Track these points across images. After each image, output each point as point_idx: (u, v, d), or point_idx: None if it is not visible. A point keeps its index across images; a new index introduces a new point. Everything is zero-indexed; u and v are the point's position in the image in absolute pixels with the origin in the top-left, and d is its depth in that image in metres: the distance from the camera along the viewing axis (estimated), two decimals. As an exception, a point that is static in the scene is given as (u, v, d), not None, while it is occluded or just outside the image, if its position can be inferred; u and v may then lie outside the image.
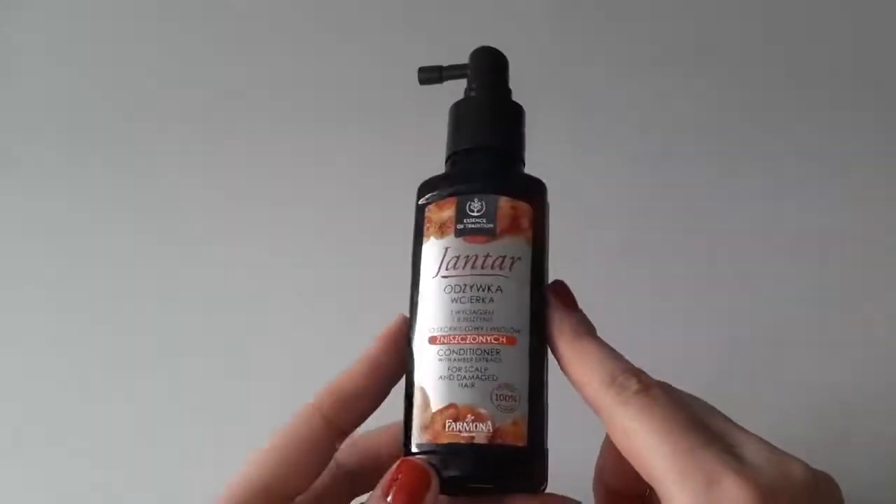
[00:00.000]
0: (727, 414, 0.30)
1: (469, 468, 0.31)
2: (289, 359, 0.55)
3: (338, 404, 0.32)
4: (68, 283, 0.59)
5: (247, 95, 0.63)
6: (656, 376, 0.30)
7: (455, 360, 0.32)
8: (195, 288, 0.58)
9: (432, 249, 0.33)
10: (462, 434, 0.31)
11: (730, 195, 0.57)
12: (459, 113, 0.36)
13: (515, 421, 0.31)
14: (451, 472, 0.31)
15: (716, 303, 0.55)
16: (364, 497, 0.35)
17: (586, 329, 0.32)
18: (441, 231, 0.33)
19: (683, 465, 0.26)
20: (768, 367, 0.53)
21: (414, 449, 0.31)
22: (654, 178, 0.58)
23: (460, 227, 0.33)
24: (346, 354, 0.34)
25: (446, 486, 0.31)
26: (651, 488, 0.33)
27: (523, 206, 0.33)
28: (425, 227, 0.34)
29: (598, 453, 0.35)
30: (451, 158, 0.36)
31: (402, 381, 0.33)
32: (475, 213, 0.33)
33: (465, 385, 0.31)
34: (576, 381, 0.31)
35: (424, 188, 0.35)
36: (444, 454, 0.31)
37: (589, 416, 0.31)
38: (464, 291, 0.32)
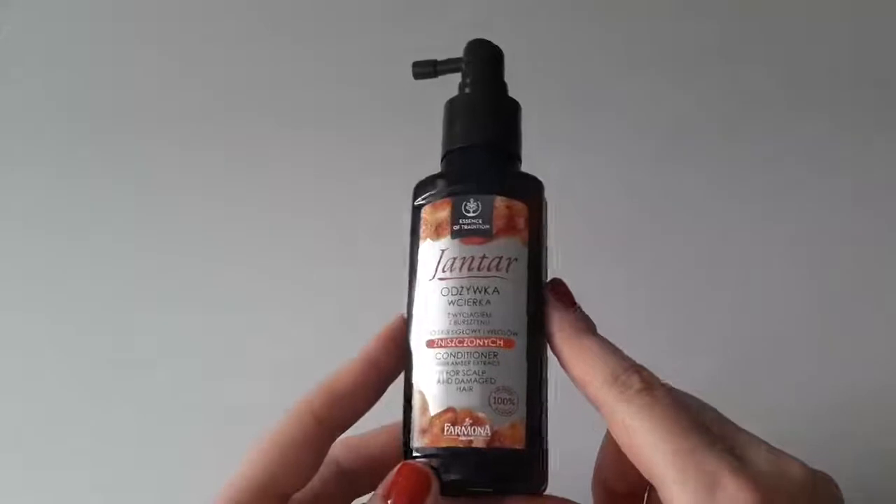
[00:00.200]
0: (726, 413, 0.30)
1: (468, 472, 0.31)
2: (288, 359, 0.55)
3: (329, 402, 0.32)
4: (67, 282, 0.59)
5: (246, 95, 0.62)
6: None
7: (453, 363, 0.31)
8: (195, 288, 0.58)
9: (429, 251, 0.33)
10: (460, 438, 0.31)
11: (730, 195, 0.57)
12: (454, 110, 0.36)
13: (513, 424, 0.31)
14: (451, 476, 0.31)
15: (716, 303, 0.55)
16: (364, 498, 0.35)
17: (587, 326, 0.32)
18: (437, 232, 0.33)
19: (685, 466, 0.26)
20: (769, 368, 0.53)
21: (413, 452, 0.31)
22: (653, 176, 0.58)
23: (456, 228, 0.33)
24: (345, 354, 0.34)
25: (445, 490, 0.30)
26: (650, 488, 0.34)
27: (519, 206, 0.33)
28: (421, 229, 0.33)
29: (596, 453, 0.35)
30: (447, 157, 0.36)
31: (398, 383, 0.33)
32: (471, 214, 0.33)
33: (463, 389, 0.31)
34: (577, 379, 0.31)
35: (420, 188, 0.34)
36: (443, 458, 0.31)
37: (587, 416, 0.31)
38: (461, 294, 0.32)
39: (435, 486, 0.30)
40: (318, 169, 0.60)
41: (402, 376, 0.33)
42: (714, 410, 0.30)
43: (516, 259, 0.32)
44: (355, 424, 0.33)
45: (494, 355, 0.31)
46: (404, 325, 0.33)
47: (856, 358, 0.53)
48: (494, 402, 0.31)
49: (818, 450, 0.30)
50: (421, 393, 0.32)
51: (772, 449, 0.28)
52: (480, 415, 0.31)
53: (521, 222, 0.33)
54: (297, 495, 0.33)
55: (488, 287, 0.32)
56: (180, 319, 0.57)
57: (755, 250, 0.55)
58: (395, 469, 0.30)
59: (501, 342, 0.32)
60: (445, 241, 0.33)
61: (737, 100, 0.59)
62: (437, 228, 0.33)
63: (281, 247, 0.59)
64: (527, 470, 0.31)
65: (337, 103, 0.62)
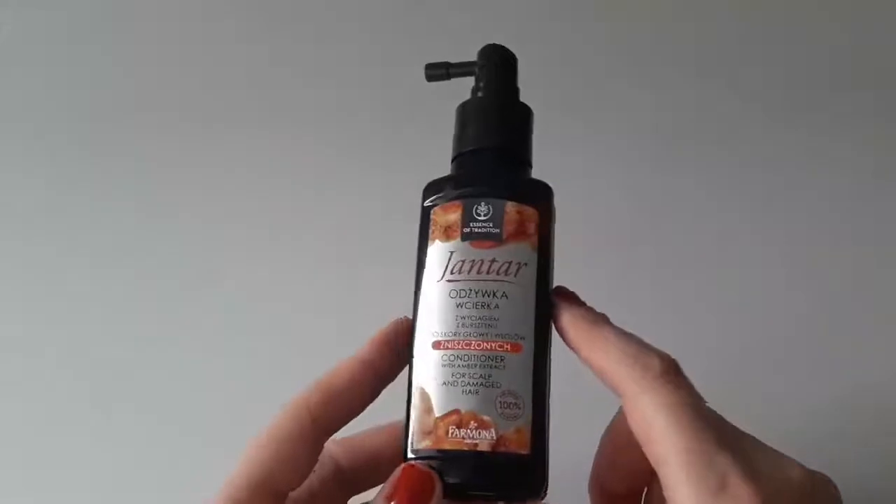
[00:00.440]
0: (725, 414, 0.30)
1: (472, 476, 0.31)
2: (288, 359, 0.55)
3: (325, 399, 0.32)
4: (67, 282, 0.59)
5: (247, 95, 0.62)
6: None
7: (459, 365, 0.31)
8: (194, 288, 0.58)
9: (437, 252, 0.33)
10: (465, 441, 0.30)
11: (729, 195, 0.57)
12: (466, 113, 0.36)
13: (519, 428, 0.31)
14: (454, 479, 0.30)
15: (715, 304, 0.55)
16: (362, 495, 0.36)
17: (601, 317, 0.32)
18: (446, 234, 0.33)
19: (695, 464, 0.27)
20: (769, 368, 0.53)
21: (416, 454, 0.31)
22: (651, 177, 0.58)
23: (466, 230, 0.33)
24: (347, 354, 0.34)
25: (448, 493, 0.30)
26: (648, 488, 0.34)
27: (530, 211, 0.33)
28: (430, 230, 0.33)
29: (592, 454, 0.35)
30: (458, 159, 0.36)
31: (397, 384, 0.33)
32: (482, 218, 0.33)
33: (469, 392, 0.31)
34: (597, 367, 0.31)
35: (430, 189, 0.34)
36: (446, 460, 0.31)
37: (585, 418, 0.32)
38: (469, 296, 0.32)
39: (438, 488, 0.30)
40: (320, 170, 0.60)
41: (402, 376, 0.33)
42: (716, 414, 0.30)
43: (526, 264, 0.32)
44: (352, 424, 0.33)
45: (501, 359, 0.31)
46: (399, 329, 0.33)
47: (855, 358, 0.53)
48: (500, 406, 0.31)
49: (817, 450, 0.31)
50: (425, 393, 0.31)
51: (772, 451, 0.29)
52: (486, 418, 0.31)
53: (531, 228, 0.33)
54: (295, 494, 0.33)
55: (497, 291, 0.32)
56: (180, 319, 0.57)
57: (754, 250, 0.56)
58: (398, 470, 0.30)
59: (508, 346, 0.31)
60: (455, 244, 0.33)
61: (737, 100, 0.59)
62: (446, 230, 0.33)
63: (282, 247, 0.59)
64: (530, 475, 0.31)
65: (339, 104, 0.61)
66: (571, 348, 0.32)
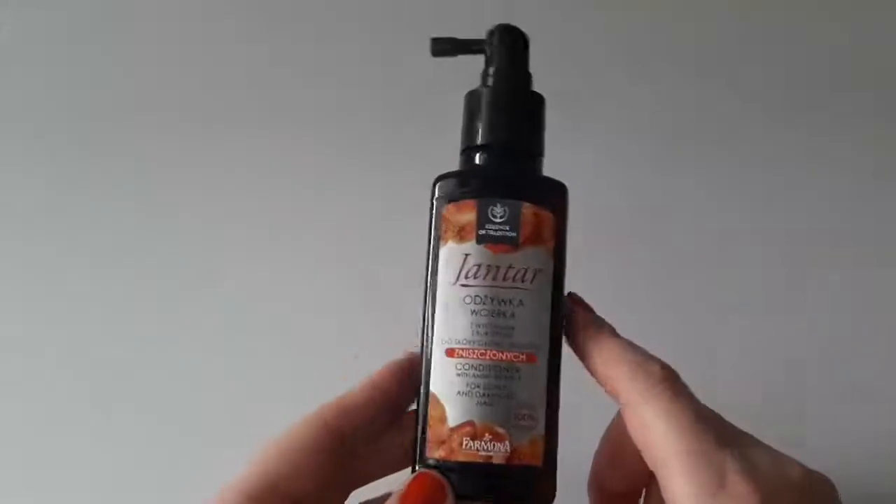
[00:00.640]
0: (725, 415, 0.31)
1: (485, 488, 0.30)
2: (288, 358, 0.53)
3: (342, 414, 0.32)
4: (67, 282, 0.58)
5: (247, 94, 0.60)
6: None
7: (474, 375, 0.31)
8: (194, 288, 0.57)
9: (451, 254, 0.32)
10: (479, 453, 0.30)
11: (729, 195, 0.57)
12: (478, 103, 0.34)
13: (533, 440, 0.31)
14: (467, 491, 0.30)
15: (718, 304, 0.55)
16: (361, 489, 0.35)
17: (608, 327, 0.33)
18: (460, 235, 0.32)
19: (694, 463, 0.27)
20: (769, 368, 0.53)
21: (429, 463, 0.31)
22: (654, 179, 0.57)
23: (482, 233, 0.32)
24: (347, 353, 0.33)
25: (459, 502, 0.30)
26: (647, 488, 0.34)
27: (546, 215, 0.32)
28: (443, 229, 0.32)
29: (591, 454, 0.36)
30: (469, 153, 0.34)
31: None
32: (497, 220, 0.32)
33: (484, 403, 0.30)
34: (600, 373, 0.31)
35: (442, 184, 0.33)
36: (460, 472, 0.30)
37: (583, 418, 0.32)
38: (484, 304, 0.31)
39: (451, 497, 0.30)
40: (320, 168, 0.58)
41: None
42: (717, 414, 0.31)
43: (541, 270, 0.32)
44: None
45: (517, 370, 0.31)
46: (414, 361, 0.33)
47: (855, 357, 0.53)
48: (515, 419, 0.30)
49: (817, 450, 0.32)
50: (439, 402, 0.31)
51: (772, 451, 0.29)
52: (501, 430, 0.30)
53: (547, 232, 0.32)
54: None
55: (513, 299, 0.31)
56: (180, 319, 0.56)
57: (753, 250, 0.55)
58: (411, 477, 0.30)
59: (524, 357, 0.31)
60: (469, 246, 0.32)
61: (737, 99, 0.58)
62: (460, 231, 0.32)
63: (282, 247, 0.57)
64: (542, 486, 0.31)
65: (339, 102, 0.59)
66: (576, 353, 0.32)
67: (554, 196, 0.33)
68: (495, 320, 0.31)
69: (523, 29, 0.36)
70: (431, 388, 0.31)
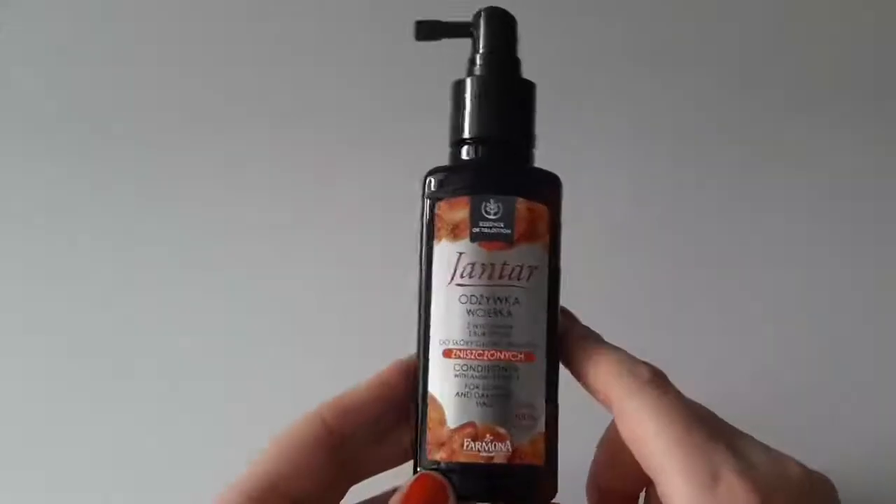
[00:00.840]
0: (727, 416, 0.31)
1: (487, 489, 0.30)
2: (288, 357, 0.54)
3: (341, 413, 0.32)
4: (69, 281, 0.57)
5: (247, 94, 0.59)
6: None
7: (472, 376, 0.30)
8: (194, 288, 0.57)
9: (445, 253, 0.31)
10: (481, 454, 0.30)
11: (732, 196, 0.56)
12: (467, 94, 0.33)
13: (534, 439, 0.31)
14: (469, 492, 0.30)
15: (719, 304, 0.55)
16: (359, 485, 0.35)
17: (594, 335, 0.33)
18: (454, 233, 0.31)
19: (688, 460, 0.27)
20: (769, 367, 0.53)
21: (430, 465, 0.31)
22: (654, 178, 0.57)
23: (476, 230, 0.31)
24: (345, 352, 0.33)
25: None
26: (647, 488, 0.34)
27: (540, 209, 0.31)
28: (436, 227, 0.31)
29: (591, 453, 0.36)
30: (459, 146, 0.33)
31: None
32: (491, 217, 0.31)
33: (484, 403, 0.30)
34: (589, 379, 0.31)
35: (433, 180, 0.32)
36: (462, 473, 0.30)
37: (582, 419, 0.32)
38: (480, 303, 0.31)
39: (453, 498, 0.30)
40: (319, 162, 0.58)
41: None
42: (714, 414, 0.31)
43: (537, 267, 0.31)
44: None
45: (515, 369, 0.31)
46: (415, 364, 0.32)
47: (855, 357, 0.54)
48: (516, 418, 0.30)
49: (817, 449, 0.31)
50: (437, 403, 0.31)
51: (770, 449, 0.29)
52: (501, 431, 0.30)
53: (542, 227, 0.31)
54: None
55: (509, 297, 0.31)
56: (180, 319, 0.56)
57: (755, 250, 0.55)
58: (412, 479, 0.30)
59: (522, 356, 0.31)
60: (464, 244, 0.31)
61: (735, 99, 0.57)
62: (453, 229, 0.31)
63: (282, 246, 0.57)
64: (544, 484, 0.31)
65: (337, 92, 0.59)
66: (564, 363, 0.32)
67: (548, 189, 0.32)
68: (492, 320, 0.30)
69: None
70: (430, 389, 0.31)
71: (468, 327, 0.31)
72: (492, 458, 0.30)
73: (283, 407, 0.33)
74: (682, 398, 0.29)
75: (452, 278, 0.31)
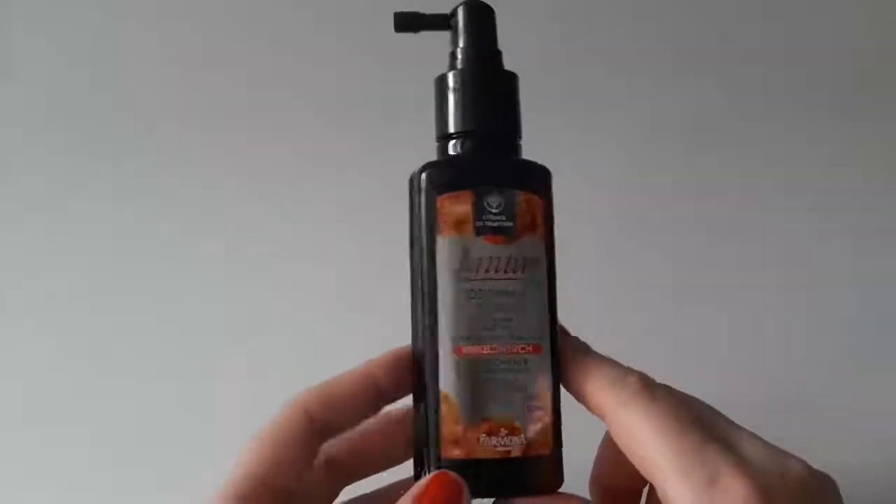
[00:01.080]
0: (727, 414, 0.31)
1: (504, 482, 0.30)
2: (287, 358, 0.54)
3: (323, 407, 0.31)
4: (70, 282, 0.57)
5: (246, 93, 0.59)
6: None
7: (485, 371, 0.30)
8: (194, 287, 0.57)
9: (450, 248, 0.31)
10: (497, 449, 0.30)
11: (730, 193, 0.58)
12: (453, 88, 0.33)
13: (544, 430, 0.31)
14: (488, 488, 0.30)
15: (718, 303, 0.56)
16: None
17: (583, 345, 0.33)
18: (458, 228, 0.31)
19: (685, 462, 0.27)
20: (768, 367, 0.55)
21: (447, 463, 0.30)
22: (650, 177, 0.58)
23: (479, 224, 0.31)
24: (343, 352, 0.33)
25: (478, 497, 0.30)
26: (649, 486, 0.34)
27: (537, 201, 0.32)
28: (439, 221, 0.31)
29: (593, 452, 0.36)
30: (451, 140, 0.33)
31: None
32: (494, 210, 0.31)
33: (497, 398, 0.30)
34: (580, 389, 0.31)
35: (432, 175, 0.31)
36: (480, 469, 0.30)
37: (583, 416, 0.32)
38: (488, 298, 0.30)
39: (467, 496, 0.30)
40: (319, 159, 0.58)
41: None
42: (714, 410, 0.31)
43: (537, 259, 0.32)
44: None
45: (525, 362, 0.31)
46: (409, 357, 0.32)
47: (855, 357, 0.56)
48: (528, 411, 0.31)
49: (816, 449, 0.31)
50: (450, 400, 0.30)
51: (771, 447, 0.29)
52: (517, 424, 0.30)
53: (539, 219, 0.32)
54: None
55: (515, 290, 0.31)
56: (179, 319, 0.56)
57: (752, 250, 0.57)
58: (429, 477, 0.30)
59: (531, 348, 0.31)
60: (468, 238, 0.31)
61: (734, 98, 0.59)
62: (457, 223, 0.31)
63: (281, 245, 0.57)
64: (554, 473, 0.32)
65: (337, 89, 0.59)
66: (564, 384, 0.32)
67: (542, 181, 0.33)
68: (500, 314, 0.30)
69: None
70: (441, 387, 0.30)
71: (477, 323, 0.30)
72: (508, 451, 0.30)
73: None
74: (673, 402, 0.29)
75: (459, 274, 0.30)
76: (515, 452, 0.30)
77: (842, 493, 0.29)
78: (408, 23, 0.34)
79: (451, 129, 0.33)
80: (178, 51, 0.59)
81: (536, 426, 0.31)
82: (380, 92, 0.58)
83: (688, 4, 0.60)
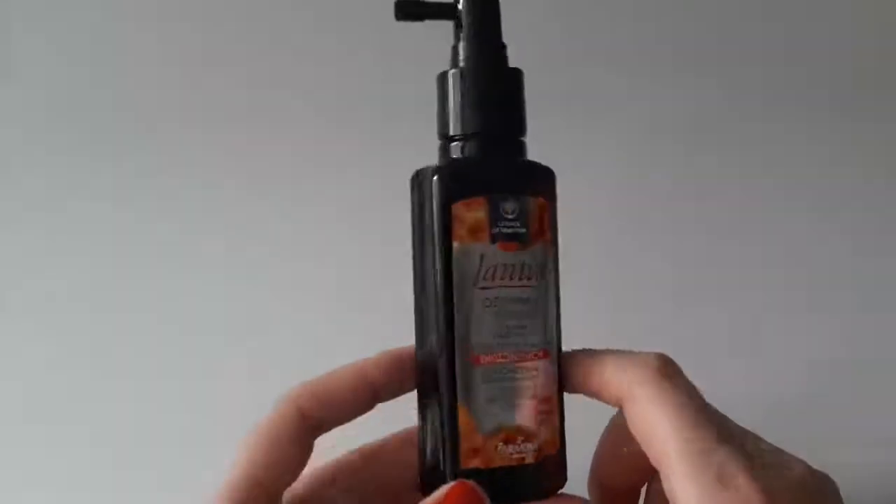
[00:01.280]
0: (727, 413, 0.31)
1: (520, 488, 0.31)
2: (286, 358, 0.54)
3: (318, 405, 0.31)
4: (68, 283, 0.57)
5: (246, 93, 0.58)
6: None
7: (500, 379, 0.30)
8: (194, 287, 0.57)
9: (466, 256, 0.30)
10: (514, 456, 0.30)
11: (730, 193, 0.58)
12: (457, 87, 0.32)
13: (553, 432, 0.31)
14: (506, 496, 0.30)
15: (718, 304, 0.56)
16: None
17: (583, 348, 0.33)
18: (473, 235, 0.30)
19: (697, 458, 0.27)
20: (767, 367, 0.56)
21: (466, 474, 0.30)
22: (649, 176, 0.58)
23: (495, 231, 0.30)
24: (342, 352, 0.32)
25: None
26: (648, 484, 0.35)
27: (546, 205, 0.32)
28: (454, 228, 0.30)
29: (592, 450, 0.36)
30: (458, 140, 0.32)
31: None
32: (509, 216, 0.30)
33: (512, 406, 0.30)
34: (594, 381, 0.31)
35: (444, 180, 0.30)
36: (498, 477, 0.30)
37: (582, 415, 0.32)
38: (503, 305, 0.30)
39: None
40: (319, 160, 0.58)
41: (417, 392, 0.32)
42: (716, 409, 0.31)
43: (547, 265, 0.32)
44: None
45: (536, 368, 0.31)
46: (412, 355, 0.32)
47: (855, 357, 0.56)
48: (539, 415, 0.31)
49: (815, 449, 0.31)
50: (467, 412, 0.30)
51: (773, 448, 0.29)
52: (531, 430, 0.31)
53: (547, 223, 0.32)
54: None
55: (529, 297, 0.31)
56: (179, 319, 0.56)
57: (753, 250, 0.57)
58: (447, 487, 0.29)
59: (542, 353, 0.31)
60: (484, 246, 0.30)
61: (733, 97, 0.59)
62: (472, 230, 0.30)
63: (281, 245, 0.57)
64: (559, 471, 0.32)
65: (337, 88, 0.58)
66: (571, 383, 0.32)
67: (550, 184, 0.32)
68: (516, 321, 0.30)
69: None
70: (459, 396, 0.30)
71: (494, 332, 0.30)
72: (523, 458, 0.30)
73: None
74: (693, 393, 0.30)
75: (476, 282, 0.30)
76: (529, 458, 0.31)
77: (842, 493, 0.29)
78: (410, 11, 0.32)
79: (458, 130, 0.32)
80: (178, 51, 0.58)
81: (547, 429, 0.31)
82: (380, 92, 0.58)
83: (688, 4, 0.60)
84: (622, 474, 0.34)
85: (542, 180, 0.32)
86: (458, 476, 0.30)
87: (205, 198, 0.57)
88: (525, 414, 0.31)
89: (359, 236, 0.57)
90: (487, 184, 0.31)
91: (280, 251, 0.57)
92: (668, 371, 0.30)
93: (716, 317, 0.56)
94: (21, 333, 0.55)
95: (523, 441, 0.30)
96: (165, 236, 0.57)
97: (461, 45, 0.32)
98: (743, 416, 0.31)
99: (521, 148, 0.33)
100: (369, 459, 0.34)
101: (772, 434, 0.30)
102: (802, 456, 0.29)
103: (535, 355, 0.31)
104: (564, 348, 0.33)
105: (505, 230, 0.31)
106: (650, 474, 0.33)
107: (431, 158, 0.33)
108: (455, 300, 0.30)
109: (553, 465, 0.32)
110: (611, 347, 0.32)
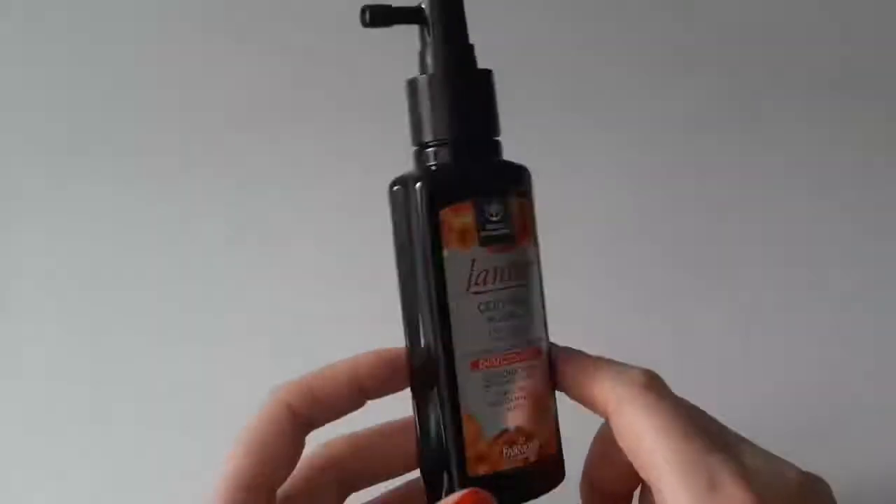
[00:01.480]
0: (727, 410, 0.32)
1: (525, 489, 0.31)
2: (286, 358, 0.52)
3: (306, 403, 0.31)
4: (68, 283, 0.57)
5: (246, 93, 0.59)
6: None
7: (500, 383, 0.30)
8: (194, 287, 0.57)
9: (458, 261, 0.30)
10: (518, 458, 0.31)
11: (729, 192, 0.58)
12: (428, 93, 0.31)
13: (550, 429, 0.32)
14: (513, 498, 0.30)
15: (718, 303, 0.57)
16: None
17: (577, 351, 0.33)
18: (463, 240, 0.30)
19: (686, 467, 0.27)
20: (766, 367, 0.56)
21: (475, 482, 0.30)
22: (648, 176, 0.58)
23: (483, 234, 0.30)
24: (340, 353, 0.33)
25: None
26: (640, 488, 0.34)
27: (527, 204, 0.32)
28: (442, 234, 0.30)
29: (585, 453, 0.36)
30: (434, 146, 0.32)
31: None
32: (495, 219, 0.30)
33: (513, 407, 0.31)
34: (583, 393, 0.31)
35: (429, 186, 0.30)
36: (505, 481, 0.30)
37: (575, 417, 0.33)
38: (497, 308, 0.30)
39: None
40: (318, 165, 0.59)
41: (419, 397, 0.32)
42: (707, 414, 0.31)
43: (533, 263, 0.32)
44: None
45: (533, 367, 0.31)
46: (402, 357, 0.32)
47: (855, 357, 0.57)
48: (537, 413, 0.31)
49: (813, 450, 0.32)
50: (472, 419, 0.30)
51: (766, 453, 0.29)
52: (532, 430, 0.31)
53: (529, 221, 0.32)
54: (293, 491, 0.32)
55: (519, 297, 0.31)
56: (180, 319, 0.56)
57: (753, 249, 0.58)
58: (458, 495, 0.29)
59: (536, 352, 0.31)
60: (475, 250, 0.30)
61: (732, 97, 0.59)
62: (461, 235, 0.30)
63: (281, 245, 0.58)
64: (558, 468, 0.32)
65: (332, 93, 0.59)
66: (562, 387, 0.32)
67: (526, 182, 0.32)
68: (510, 323, 0.31)
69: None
70: (461, 404, 0.30)
71: (490, 335, 0.30)
72: (527, 459, 0.31)
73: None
74: (678, 402, 0.29)
75: (469, 287, 0.30)
76: (532, 458, 0.31)
77: (841, 493, 0.29)
78: (378, 17, 0.32)
79: (435, 136, 0.31)
80: (178, 51, 0.59)
81: (545, 427, 0.31)
82: (380, 92, 0.58)
83: (689, 3, 0.60)
84: (614, 479, 0.34)
85: (520, 180, 0.32)
86: (465, 483, 0.30)
87: (205, 197, 0.58)
88: (525, 414, 0.31)
89: (359, 236, 0.56)
90: (472, 188, 0.31)
91: (280, 251, 0.57)
92: (653, 386, 0.30)
93: (716, 316, 0.57)
94: (21, 333, 0.56)
95: (525, 441, 0.31)
96: (165, 236, 0.57)
97: (429, 50, 0.32)
98: (742, 416, 0.31)
99: (496, 148, 0.33)
100: (363, 448, 0.34)
101: (771, 431, 0.31)
102: (803, 450, 0.30)
103: (530, 353, 0.31)
104: (563, 343, 0.33)
105: (492, 233, 0.30)
106: (641, 479, 0.32)
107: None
108: (450, 306, 0.30)
109: (553, 462, 0.32)
110: (608, 348, 0.32)
